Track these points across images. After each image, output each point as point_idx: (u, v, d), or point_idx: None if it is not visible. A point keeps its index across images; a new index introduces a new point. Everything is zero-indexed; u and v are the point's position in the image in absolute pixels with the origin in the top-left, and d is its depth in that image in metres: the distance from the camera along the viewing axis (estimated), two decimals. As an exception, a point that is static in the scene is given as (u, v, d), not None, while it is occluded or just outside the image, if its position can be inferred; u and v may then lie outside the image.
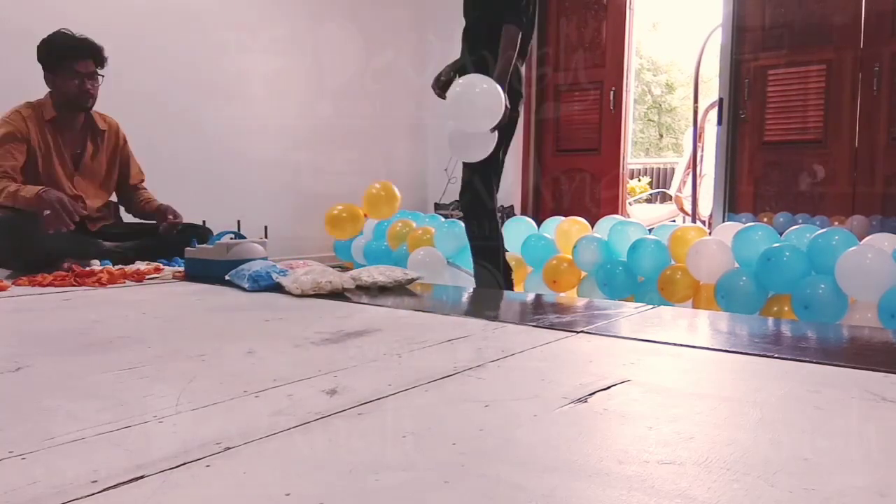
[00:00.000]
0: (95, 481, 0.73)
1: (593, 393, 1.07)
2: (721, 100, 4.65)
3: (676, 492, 0.71)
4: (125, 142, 3.11)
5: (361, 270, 2.28)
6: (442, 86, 2.85)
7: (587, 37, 5.29)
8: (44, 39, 2.83)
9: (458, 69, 2.85)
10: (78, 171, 2.93)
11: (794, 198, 4.48)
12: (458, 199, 5.37)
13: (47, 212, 2.54)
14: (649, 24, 14.27)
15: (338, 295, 2.09)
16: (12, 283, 2.30)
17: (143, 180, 3.18)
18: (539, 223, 3.87)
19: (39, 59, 2.83)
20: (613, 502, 0.69)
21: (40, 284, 2.30)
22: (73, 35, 2.83)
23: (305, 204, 4.61)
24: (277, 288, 2.16)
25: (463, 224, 2.95)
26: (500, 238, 2.81)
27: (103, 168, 3.02)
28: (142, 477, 0.74)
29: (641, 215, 6.34)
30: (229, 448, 0.83)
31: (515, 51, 2.66)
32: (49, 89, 2.87)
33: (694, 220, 5.44)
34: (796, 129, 4.50)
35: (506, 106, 2.54)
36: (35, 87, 2.89)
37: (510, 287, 2.85)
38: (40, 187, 2.63)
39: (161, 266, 2.67)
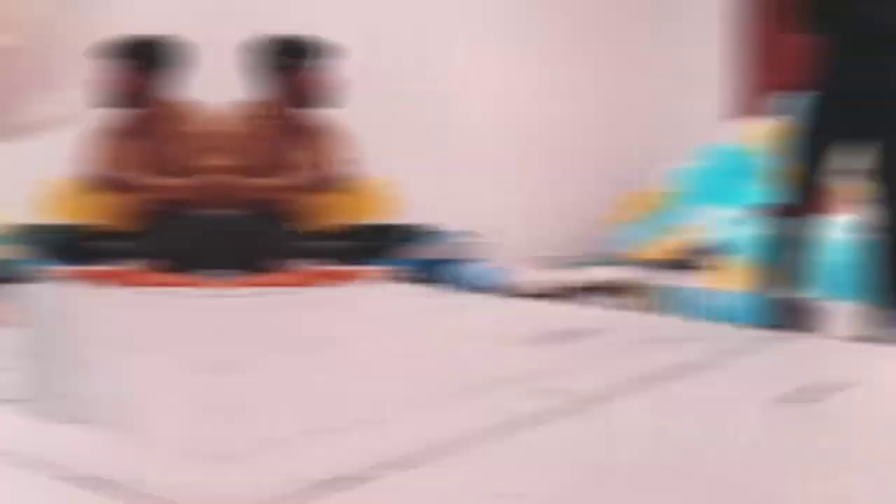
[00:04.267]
0: (320, 481, 0.76)
1: (823, 394, 1.01)
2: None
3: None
4: None
5: (585, 271, 2.24)
6: None
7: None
8: None
9: None
10: None
11: None
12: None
13: None
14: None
15: (562, 295, 2.07)
16: (226, 284, 2.25)
17: None
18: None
19: None
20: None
21: (254, 284, 2.23)
22: None
23: (537, 203, 4.38)
24: (497, 288, 2.16)
25: None
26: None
27: None
28: (367, 477, 0.77)
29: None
30: (456, 448, 0.85)
31: None
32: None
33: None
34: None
35: None
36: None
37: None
38: None
39: (367, 269, 2.70)
